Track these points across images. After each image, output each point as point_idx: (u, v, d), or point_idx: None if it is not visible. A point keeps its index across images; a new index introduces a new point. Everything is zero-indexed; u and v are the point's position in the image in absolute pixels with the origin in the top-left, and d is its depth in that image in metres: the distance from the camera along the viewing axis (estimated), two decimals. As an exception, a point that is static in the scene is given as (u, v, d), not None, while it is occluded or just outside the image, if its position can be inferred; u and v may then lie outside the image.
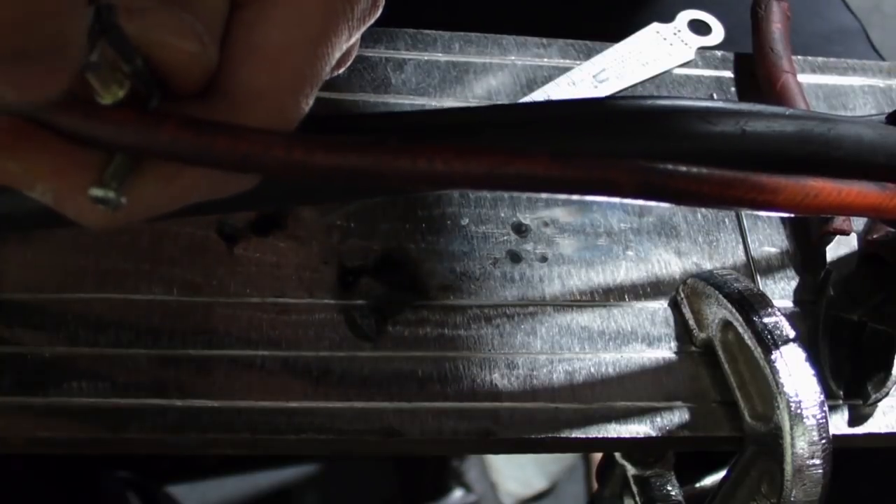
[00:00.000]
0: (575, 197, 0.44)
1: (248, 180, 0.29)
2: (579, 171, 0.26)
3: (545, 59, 0.48)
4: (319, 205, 0.40)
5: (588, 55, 0.49)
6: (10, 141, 0.26)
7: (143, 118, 0.26)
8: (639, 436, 0.39)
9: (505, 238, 0.43)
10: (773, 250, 0.44)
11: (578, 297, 0.42)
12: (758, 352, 0.37)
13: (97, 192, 0.26)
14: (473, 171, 0.26)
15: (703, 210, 0.45)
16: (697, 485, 0.45)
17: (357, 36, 0.31)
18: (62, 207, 0.27)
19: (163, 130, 0.25)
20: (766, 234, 0.45)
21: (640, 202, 0.30)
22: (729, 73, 0.50)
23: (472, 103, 0.46)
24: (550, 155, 0.26)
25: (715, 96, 0.49)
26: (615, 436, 0.39)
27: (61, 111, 0.25)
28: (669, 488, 0.43)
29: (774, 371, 0.37)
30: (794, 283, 0.44)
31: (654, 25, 0.50)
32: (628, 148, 0.32)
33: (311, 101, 0.29)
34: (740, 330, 0.38)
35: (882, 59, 0.62)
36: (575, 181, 0.27)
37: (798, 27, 0.51)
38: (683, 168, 0.27)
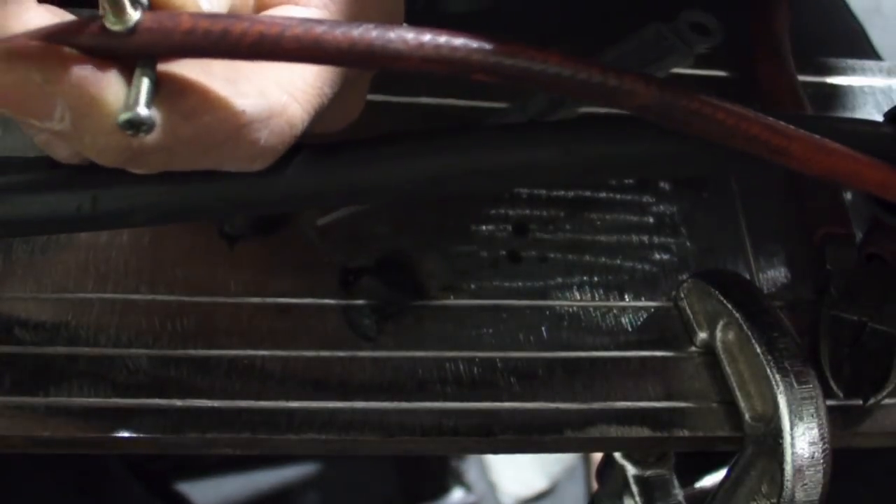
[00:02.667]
0: (571, 194, 0.44)
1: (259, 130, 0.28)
2: (593, 72, 0.26)
3: (545, 59, 0.48)
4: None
5: (588, 55, 0.49)
6: (37, 51, 0.25)
7: (162, 17, 0.25)
8: (639, 436, 0.39)
9: (505, 238, 0.43)
10: (774, 250, 0.44)
11: (578, 297, 0.42)
12: (758, 351, 0.37)
13: (127, 114, 0.25)
14: (481, 58, 0.25)
15: (704, 209, 0.45)
16: (697, 485, 0.45)
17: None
18: (80, 131, 0.26)
19: (183, 18, 0.25)
20: (767, 234, 0.45)
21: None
22: (728, 74, 0.50)
23: (472, 103, 0.46)
24: (565, 54, 0.26)
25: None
26: (615, 436, 0.39)
27: (80, 27, 0.25)
28: (669, 488, 0.43)
29: (774, 371, 0.37)
30: (794, 283, 0.44)
31: (655, 25, 0.50)
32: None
33: None
34: (740, 330, 0.38)
35: (881, 60, 0.62)
36: (588, 83, 0.26)
37: (798, 28, 0.51)
38: (703, 94, 0.27)
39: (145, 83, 0.25)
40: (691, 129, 0.28)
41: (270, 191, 0.30)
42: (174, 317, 0.38)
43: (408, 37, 0.25)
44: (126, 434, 0.35)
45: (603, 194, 0.45)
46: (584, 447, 0.41)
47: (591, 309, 0.41)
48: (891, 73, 0.52)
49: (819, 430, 0.36)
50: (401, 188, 0.32)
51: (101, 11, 0.25)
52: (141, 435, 0.35)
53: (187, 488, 0.99)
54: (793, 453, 0.36)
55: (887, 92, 0.51)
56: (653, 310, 0.42)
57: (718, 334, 0.40)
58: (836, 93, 0.50)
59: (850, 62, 0.52)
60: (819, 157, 0.29)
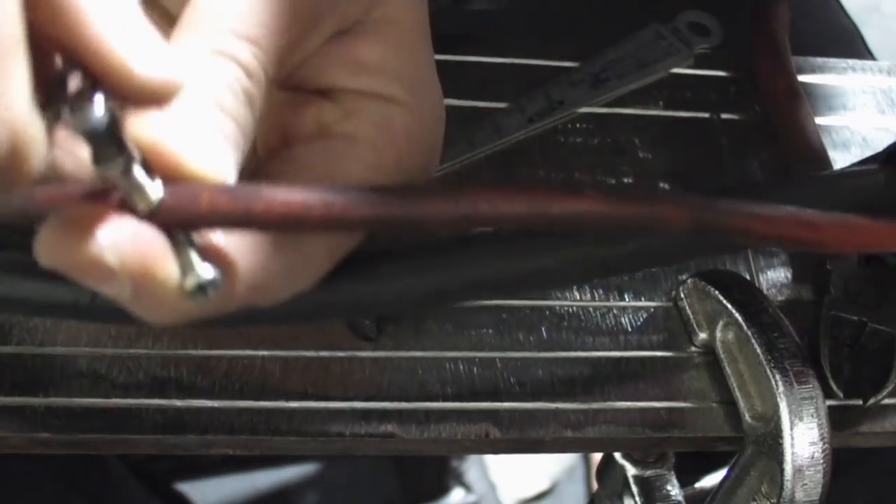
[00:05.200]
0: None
1: (300, 274, 0.28)
2: (628, 209, 0.26)
3: (545, 59, 0.48)
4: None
5: (588, 55, 0.49)
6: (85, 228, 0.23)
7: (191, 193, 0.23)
8: (639, 436, 0.39)
9: (505, 238, 0.43)
10: (774, 250, 0.44)
11: (578, 297, 0.42)
12: (758, 351, 0.37)
13: (193, 281, 0.23)
14: (518, 210, 0.25)
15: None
16: (697, 485, 0.45)
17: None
18: (138, 301, 0.24)
19: (203, 197, 0.23)
20: (766, 234, 0.45)
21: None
22: (728, 74, 0.50)
23: (472, 103, 0.46)
24: (597, 193, 0.26)
25: (715, 97, 0.49)
26: (615, 436, 0.39)
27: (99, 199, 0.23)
28: (669, 488, 0.43)
29: (774, 371, 0.37)
30: (794, 283, 0.44)
31: (654, 26, 0.50)
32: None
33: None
34: (740, 330, 0.38)
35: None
36: (623, 220, 0.26)
37: (792, 29, 0.51)
38: (734, 205, 0.27)
39: (189, 248, 0.24)
40: (730, 240, 0.29)
41: (265, 310, 0.29)
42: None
43: (441, 204, 0.25)
44: (126, 434, 0.35)
45: (603, 194, 0.45)
46: (584, 447, 0.41)
47: (591, 309, 0.41)
48: (891, 72, 0.52)
49: (819, 430, 0.36)
50: (403, 303, 0.32)
51: (113, 186, 0.23)
52: (141, 435, 0.35)
53: (187, 488, 0.99)
54: (793, 453, 0.36)
55: (887, 92, 0.51)
56: (653, 310, 0.42)
57: (718, 334, 0.40)
58: (836, 93, 0.51)
59: (851, 62, 0.52)
60: (848, 239, 0.30)
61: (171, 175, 0.23)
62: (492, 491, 1.21)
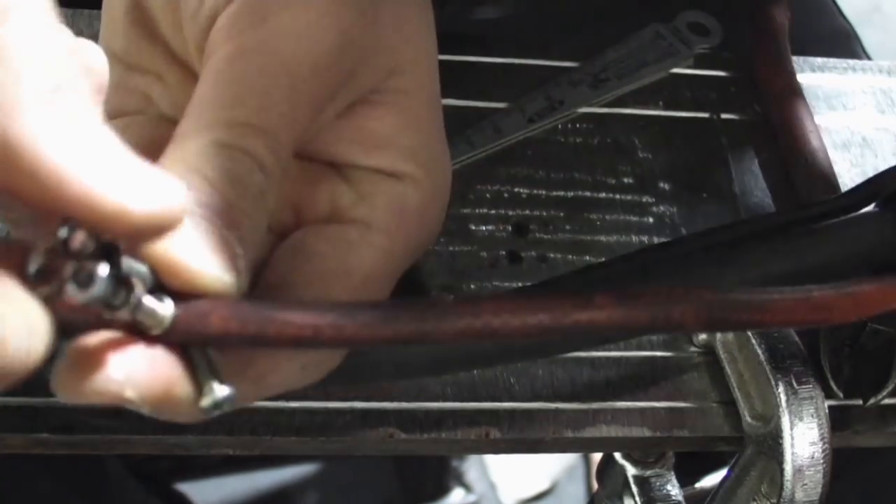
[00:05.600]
0: (571, 194, 0.44)
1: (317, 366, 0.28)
2: (642, 316, 0.26)
3: (545, 59, 0.48)
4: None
5: (588, 55, 0.49)
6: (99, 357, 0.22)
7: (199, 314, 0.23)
8: (639, 436, 0.39)
9: (505, 238, 0.43)
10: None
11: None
12: (758, 352, 0.37)
13: (209, 400, 0.23)
14: (531, 324, 0.25)
15: (703, 209, 0.45)
16: (697, 485, 0.45)
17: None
18: (159, 414, 0.24)
19: (213, 321, 0.23)
20: (766, 234, 0.45)
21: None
22: (728, 74, 0.50)
23: (472, 103, 0.46)
24: (610, 300, 0.25)
25: (715, 97, 0.49)
26: (615, 436, 0.39)
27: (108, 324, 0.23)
28: (669, 488, 0.43)
29: (774, 371, 0.37)
30: (793, 283, 0.44)
31: (654, 26, 0.50)
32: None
33: None
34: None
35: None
36: (637, 325, 0.26)
37: (790, 30, 0.51)
38: (746, 299, 0.27)
39: (204, 362, 0.24)
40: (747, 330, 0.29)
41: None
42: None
43: (453, 322, 0.25)
44: (126, 434, 0.35)
45: (603, 194, 0.45)
46: (584, 447, 0.41)
47: (591, 309, 0.41)
48: (891, 73, 0.52)
49: (819, 430, 0.36)
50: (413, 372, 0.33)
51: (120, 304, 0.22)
52: (141, 435, 0.35)
53: (187, 488, 0.99)
54: (793, 453, 0.36)
55: (887, 92, 0.51)
56: (653, 310, 0.42)
57: (718, 334, 0.40)
58: (836, 93, 0.50)
59: (851, 62, 0.52)
60: (856, 310, 0.30)
61: (184, 288, 0.23)
62: (492, 491, 1.21)
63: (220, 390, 0.23)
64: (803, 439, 0.36)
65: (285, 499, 1.17)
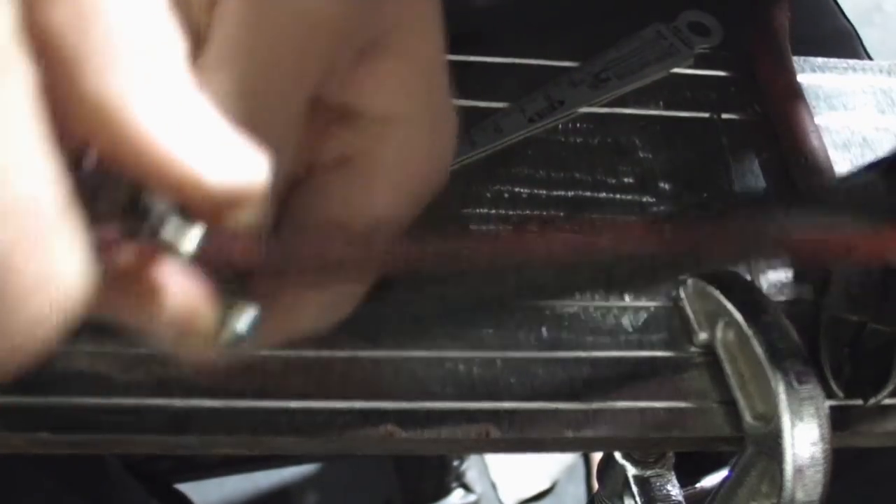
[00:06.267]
0: (571, 194, 0.44)
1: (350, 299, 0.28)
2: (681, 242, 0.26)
3: (545, 59, 0.48)
4: None
5: (588, 55, 0.49)
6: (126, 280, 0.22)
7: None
8: (639, 436, 0.39)
9: (505, 238, 0.43)
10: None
11: (578, 297, 0.42)
12: (758, 351, 0.37)
13: (231, 330, 0.23)
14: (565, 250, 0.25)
15: (703, 209, 0.45)
16: (697, 485, 0.45)
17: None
18: (177, 348, 0.24)
19: (239, 248, 0.23)
20: (766, 234, 0.45)
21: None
22: (728, 74, 0.50)
23: (473, 103, 0.46)
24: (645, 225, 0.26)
25: (715, 97, 0.49)
26: (615, 436, 0.39)
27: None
28: (669, 488, 0.43)
29: (775, 371, 0.37)
30: (794, 283, 0.44)
31: (655, 25, 0.50)
32: None
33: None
34: (741, 329, 0.38)
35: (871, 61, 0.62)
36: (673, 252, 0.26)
37: (791, 30, 0.51)
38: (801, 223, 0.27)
39: (228, 292, 0.24)
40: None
41: None
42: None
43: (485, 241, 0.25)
44: (126, 434, 0.35)
45: (603, 194, 0.45)
46: (584, 447, 0.41)
47: (591, 309, 0.41)
48: (891, 73, 0.52)
49: (819, 430, 0.36)
50: None
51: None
52: (141, 435, 0.35)
53: (187, 488, 0.99)
54: (793, 453, 0.36)
55: (887, 92, 0.51)
56: (653, 310, 0.42)
57: (718, 334, 0.40)
58: (836, 93, 0.50)
59: (851, 62, 0.52)
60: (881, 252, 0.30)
61: (210, 207, 0.23)
62: (492, 491, 1.21)
63: (243, 319, 0.24)
64: (803, 439, 0.36)
65: (285, 499, 1.17)
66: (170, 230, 0.22)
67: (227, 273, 0.24)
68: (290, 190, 0.29)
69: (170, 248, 0.23)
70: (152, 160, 0.21)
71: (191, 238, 0.23)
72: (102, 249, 0.22)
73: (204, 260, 0.23)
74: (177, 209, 0.22)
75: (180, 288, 0.23)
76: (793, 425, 0.36)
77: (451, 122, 0.31)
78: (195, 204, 0.21)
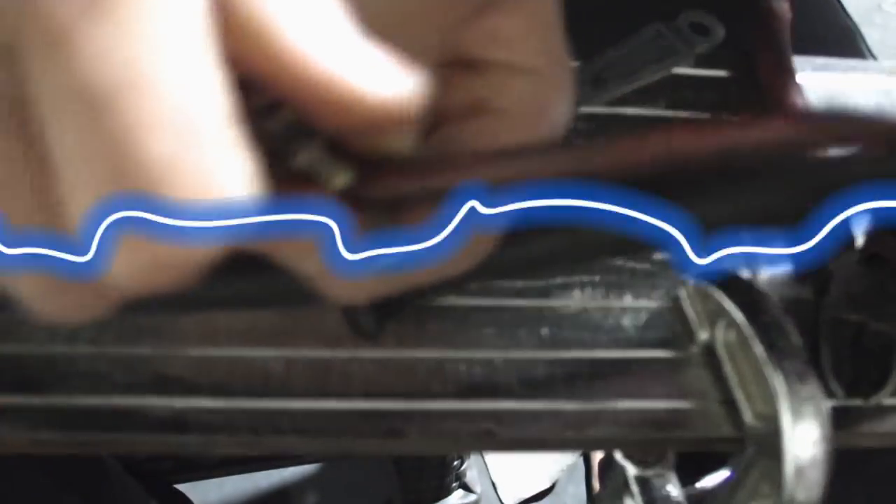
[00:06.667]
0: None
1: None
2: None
3: (545, 59, 0.48)
4: None
5: (588, 55, 0.49)
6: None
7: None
8: (639, 436, 0.39)
9: (505, 238, 0.43)
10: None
11: (579, 297, 0.42)
12: (758, 351, 0.37)
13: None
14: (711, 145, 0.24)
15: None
16: (697, 485, 0.45)
17: None
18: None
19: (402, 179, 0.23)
20: (767, 234, 0.45)
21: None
22: (729, 74, 0.50)
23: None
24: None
25: (715, 97, 0.49)
26: (615, 436, 0.39)
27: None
28: (669, 488, 0.43)
29: (775, 371, 0.37)
30: (794, 283, 0.44)
31: (655, 25, 0.50)
32: None
33: None
34: (741, 329, 0.38)
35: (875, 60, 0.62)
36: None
37: (793, 29, 0.51)
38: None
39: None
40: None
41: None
42: (175, 316, 0.38)
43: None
44: (126, 434, 0.35)
45: (603, 194, 0.45)
46: (584, 447, 0.41)
47: (592, 309, 0.41)
48: (892, 73, 0.52)
49: (819, 430, 0.36)
50: None
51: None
52: (141, 435, 0.35)
53: (187, 488, 0.99)
54: (793, 453, 0.36)
55: (889, 92, 0.51)
56: (653, 310, 0.42)
57: (718, 334, 0.40)
58: (837, 93, 0.50)
59: (852, 62, 0.52)
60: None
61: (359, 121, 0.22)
62: (492, 491, 1.21)
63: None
64: (804, 439, 0.36)
65: (285, 499, 1.17)
66: (323, 166, 0.22)
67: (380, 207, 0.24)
68: (422, 140, 0.30)
69: (322, 183, 0.23)
70: (311, 80, 0.21)
71: (342, 176, 0.23)
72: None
73: (354, 195, 0.23)
74: (329, 148, 0.22)
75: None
76: (793, 425, 0.36)
77: (568, 72, 0.32)
78: (355, 124, 0.21)
